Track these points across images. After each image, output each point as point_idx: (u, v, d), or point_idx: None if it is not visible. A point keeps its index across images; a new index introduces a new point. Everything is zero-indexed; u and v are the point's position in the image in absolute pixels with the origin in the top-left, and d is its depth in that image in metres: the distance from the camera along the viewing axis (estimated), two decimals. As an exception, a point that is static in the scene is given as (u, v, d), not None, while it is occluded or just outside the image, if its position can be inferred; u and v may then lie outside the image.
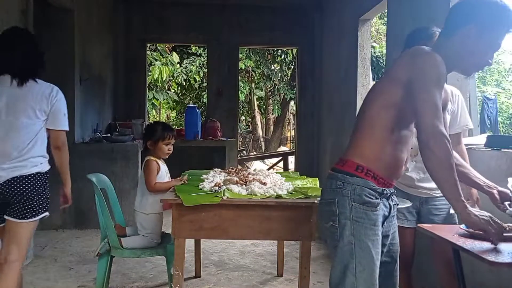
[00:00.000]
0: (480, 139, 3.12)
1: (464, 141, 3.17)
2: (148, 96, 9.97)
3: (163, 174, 3.19)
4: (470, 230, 1.99)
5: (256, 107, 17.27)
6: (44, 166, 2.57)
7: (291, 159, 9.46)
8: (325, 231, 1.81)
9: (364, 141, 1.79)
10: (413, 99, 1.68)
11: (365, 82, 5.51)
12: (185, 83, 13.76)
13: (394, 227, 1.92)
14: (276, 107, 16.67)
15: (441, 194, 2.20)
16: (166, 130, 3.22)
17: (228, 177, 3.02)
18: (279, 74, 14.82)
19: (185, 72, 13.34)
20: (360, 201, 1.74)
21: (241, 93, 13.15)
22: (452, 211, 2.33)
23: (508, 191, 2.02)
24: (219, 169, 3.65)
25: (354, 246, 1.72)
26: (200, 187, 2.82)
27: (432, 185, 2.42)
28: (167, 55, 11.94)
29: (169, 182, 3.15)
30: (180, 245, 2.58)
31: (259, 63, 14.27)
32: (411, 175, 2.56)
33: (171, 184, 3.09)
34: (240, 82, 11.72)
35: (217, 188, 2.73)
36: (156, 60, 11.49)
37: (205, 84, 11.53)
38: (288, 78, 14.77)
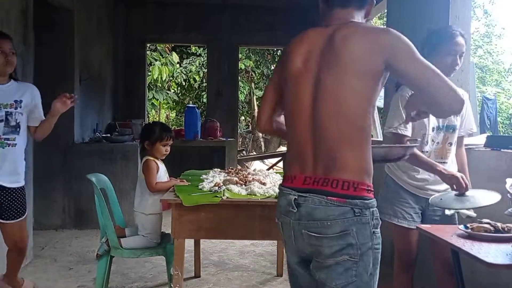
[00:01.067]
0: (479, 139, 3.13)
1: (464, 141, 3.17)
2: (148, 96, 9.97)
3: (162, 174, 3.19)
4: (469, 230, 1.99)
5: (256, 107, 17.25)
6: None
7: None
8: (332, 270, 1.49)
9: (358, 152, 1.51)
10: (404, 79, 1.52)
11: (365, 82, 5.50)
12: (185, 83, 13.76)
13: None
14: (276, 107, 16.64)
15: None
16: (165, 131, 3.21)
17: (228, 177, 3.02)
18: (279, 74, 14.80)
19: (185, 72, 13.34)
20: (377, 226, 1.50)
21: (241, 93, 13.14)
22: (447, 212, 2.32)
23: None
24: (219, 169, 3.65)
25: (373, 277, 1.50)
26: (199, 187, 2.82)
27: (441, 187, 2.44)
28: (167, 55, 11.94)
29: (169, 181, 3.16)
30: (180, 245, 2.58)
31: (258, 63, 14.27)
32: (423, 176, 2.49)
33: (172, 183, 3.10)
34: (240, 82, 11.71)
35: (216, 188, 2.73)
36: (156, 60, 11.49)
37: (205, 84, 11.52)
38: (288, 78, 14.75)
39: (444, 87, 1.43)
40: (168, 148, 3.23)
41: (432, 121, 2.44)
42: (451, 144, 2.49)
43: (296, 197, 1.52)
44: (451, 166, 2.49)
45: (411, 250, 2.55)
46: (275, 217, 1.65)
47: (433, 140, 2.46)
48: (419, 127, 2.43)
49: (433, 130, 2.46)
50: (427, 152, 2.46)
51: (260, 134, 17.65)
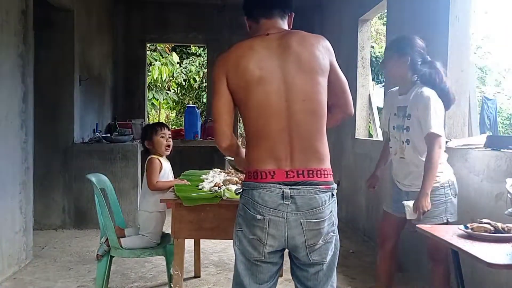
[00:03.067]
0: (479, 139, 3.12)
1: (464, 141, 3.19)
2: (148, 96, 9.96)
3: (167, 173, 3.20)
4: (469, 230, 1.99)
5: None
6: None
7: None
8: (324, 248, 1.72)
9: (325, 142, 1.75)
10: (338, 80, 1.80)
11: (365, 82, 5.51)
12: (185, 83, 13.75)
13: None
14: (276, 107, 16.64)
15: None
16: (156, 124, 3.30)
17: (228, 177, 3.02)
18: (279, 74, 14.80)
19: (184, 72, 13.33)
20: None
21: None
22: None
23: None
24: (219, 169, 3.65)
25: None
26: (199, 187, 2.82)
27: (399, 178, 2.81)
28: (167, 55, 11.93)
29: (170, 181, 3.16)
30: (180, 245, 2.58)
31: (258, 63, 14.24)
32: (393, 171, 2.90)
33: (173, 183, 3.11)
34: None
35: (216, 188, 2.73)
36: (156, 60, 11.48)
37: (204, 84, 11.52)
38: (288, 78, 14.75)
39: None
40: (169, 140, 3.26)
41: (392, 121, 2.77)
42: (406, 142, 2.67)
43: (288, 190, 1.65)
44: (410, 165, 2.68)
45: (382, 228, 2.95)
46: (256, 215, 1.69)
47: (395, 137, 2.76)
48: (384, 127, 2.93)
49: (393, 129, 2.77)
50: (391, 147, 2.81)
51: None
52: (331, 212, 1.72)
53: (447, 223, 2.54)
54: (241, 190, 1.79)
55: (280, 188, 1.66)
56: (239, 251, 1.82)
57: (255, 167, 1.70)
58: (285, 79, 1.69)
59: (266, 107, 1.69)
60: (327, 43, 1.78)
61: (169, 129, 3.31)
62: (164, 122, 3.51)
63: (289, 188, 1.65)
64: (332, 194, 1.72)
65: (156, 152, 3.20)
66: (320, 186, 1.68)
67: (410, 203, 2.56)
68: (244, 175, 1.81)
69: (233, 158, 2.14)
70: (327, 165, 1.72)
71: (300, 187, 1.66)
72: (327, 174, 1.71)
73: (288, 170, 1.67)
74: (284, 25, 1.84)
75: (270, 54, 1.71)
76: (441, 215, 2.57)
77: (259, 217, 1.68)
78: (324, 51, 1.74)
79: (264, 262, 1.75)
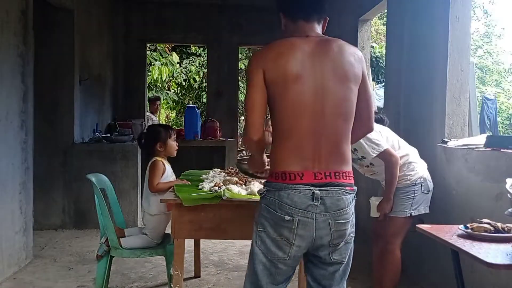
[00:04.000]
0: (479, 139, 3.13)
1: (463, 141, 3.19)
2: (148, 96, 9.96)
3: (169, 175, 3.21)
4: (469, 230, 1.99)
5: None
6: None
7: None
8: (344, 248, 1.79)
9: (349, 145, 1.81)
10: (365, 93, 1.84)
11: (365, 82, 5.50)
12: (185, 83, 13.74)
13: None
14: (276, 107, 16.65)
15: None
16: (168, 128, 3.31)
17: (228, 177, 3.03)
18: (279, 74, 14.80)
19: (184, 72, 13.33)
20: None
21: (240, 93, 13.11)
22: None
23: None
24: (219, 169, 3.65)
25: None
26: (199, 187, 2.82)
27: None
28: (167, 55, 11.93)
29: (171, 182, 3.17)
30: (180, 245, 2.58)
31: (258, 63, 14.25)
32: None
33: (173, 183, 3.12)
34: (240, 82, 11.69)
35: (216, 188, 2.73)
36: (156, 60, 11.48)
37: (204, 84, 11.52)
38: (288, 78, 14.75)
39: None
40: (176, 143, 3.31)
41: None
42: (371, 164, 3.05)
43: (318, 191, 1.68)
44: (383, 173, 3.01)
45: (375, 227, 3.19)
46: (284, 216, 1.70)
47: (358, 165, 3.10)
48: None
49: (353, 162, 2.91)
50: (359, 170, 3.16)
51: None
52: (353, 213, 1.79)
53: (411, 216, 2.93)
54: (264, 190, 1.79)
55: (310, 189, 1.69)
56: (260, 251, 1.78)
57: (283, 168, 1.73)
58: (321, 82, 1.73)
59: (299, 106, 1.72)
60: (361, 54, 1.87)
61: (175, 134, 3.38)
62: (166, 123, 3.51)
63: (319, 190, 1.69)
64: (354, 196, 1.79)
65: (165, 154, 3.23)
66: (346, 188, 1.74)
67: (375, 200, 2.97)
68: (255, 177, 1.92)
69: (246, 160, 2.20)
70: (350, 167, 1.79)
71: (329, 188, 1.70)
72: (351, 177, 1.78)
73: (316, 171, 1.71)
74: (319, 29, 1.89)
75: (309, 55, 1.75)
76: (406, 209, 2.93)
77: (287, 218, 1.70)
78: (358, 61, 1.80)
79: (287, 262, 1.77)
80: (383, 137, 2.95)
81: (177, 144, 3.31)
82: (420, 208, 2.96)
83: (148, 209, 3.13)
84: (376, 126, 2.76)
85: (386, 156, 2.89)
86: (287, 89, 1.72)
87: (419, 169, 2.99)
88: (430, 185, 3.00)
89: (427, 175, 3.01)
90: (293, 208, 1.69)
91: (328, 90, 1.73)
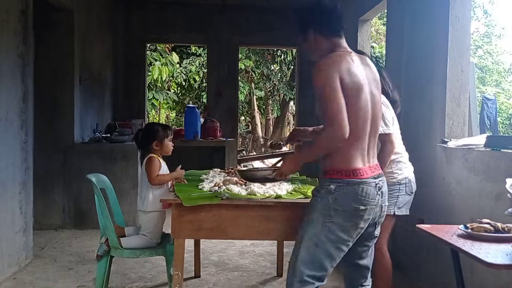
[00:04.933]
0: (479, 139, 3.13)
1: (463, 141, 3.19)
2: (148, 96, 9.97)
3: (164, 172, 3.20)
4: (469, 230, 1.99)
5: (255, 107, 17.26)
6: None
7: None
8: (379, 224, 2.22)
9: None
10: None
11: (365, 82, 5.50)
12: (185, 83, 13.75)
13: None
14: (276, 107, 16.67)
15: None
16: (166, 128, 3.29)
17: (228, 177, 3.02)
18: (279, 74, 14.82)
19: (184, 72, 13.33)
20: None
21: (240, 93, 13.14)
22: None
23: None
24: (219, 169, 3.65)
25: None
26: (199, 187, 2.82)
27: None
28: (167, 55, 11.93)
29: (170, 174, 3.17)
30: (180, 245, 2.58)
31: (258, 63, 14.27)
32: None
33: (172, 176, 3.13)
34: (240, 82, 11.72)
35: (216, 188, 2.73)
36: (156, 60, 11.48)
37: (204, 84, 11.53)
38: (288, 78, 14.77)
39: None
40: (172, 144, 3.29)
41: None
42: None
43: (379, 182, 2.08)
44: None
45: None
46: (359, 206, 2.01)
47: None
48: None
49: None
50: None
51: (260, 134, 17.66)
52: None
53: (394, 215, 2.92)
54: (333, 187, 2.02)
55: (374, 182, 2.06)
56: (327, 239, 2.04)
57: (353, 165, 2.03)
58: (369, 89, 2.08)
59: (364, 112, 2.04)
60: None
61: (172, 134, 3.37)
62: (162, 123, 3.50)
63: (378, 180, 2.08)
64: None
65: (160, 153, 3.21)
66: (383, 176, 2.15)
67: None
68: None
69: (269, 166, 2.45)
70: None
71: (380, 178, 2.11)
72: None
73: (369, 166, 2.08)
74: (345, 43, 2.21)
75: (362, 67, 2.11)
76: (390, 207, 2.86)
77: (362, 207, 2.02)
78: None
79: (349, 244, 2.07)
80: (393, 124, 2.92)
81: (173, 145, 3.29)
82: (403, 209, 2.95)
83: (142, 206, 3.12)
84: (391, 110, 2.91)
85: (386, 141, 2.81)
86: (358, 96, 2.01)
87: (406, 170, 2.97)
88: (414, 187, 2.99)
89: (412, 176, 2.99)
90: (367, 199, 2.02)
91: (375, 97, 2.10)
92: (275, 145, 2.73)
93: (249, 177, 2.69)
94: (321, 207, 2.04)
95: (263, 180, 2.61)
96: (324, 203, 2.04)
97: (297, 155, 2.29)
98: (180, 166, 3.22)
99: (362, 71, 2.08)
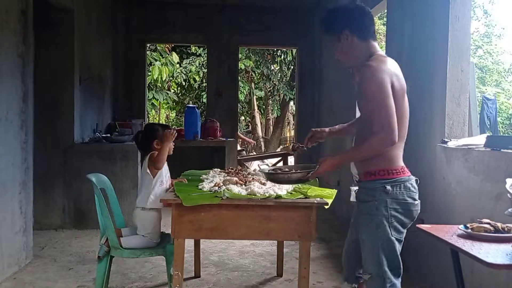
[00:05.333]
0: (479, 139, 3.12)
1: (463, 141, 3.19)
2: (148, 96, 9.96)
3: (164, 172, 3.20)
4: (469, 230, 1.99)
5: (255, 107, 17.26)
6: None
7: (291, 159, 9.46)
8: None
9: None
10: None
11: (365, 82, 5.50)
12: (185, 83, 13.75)
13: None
14: (276, 107, 16.68)
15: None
16: (165, 127, 3.28)
17: (228, 177, 3.02)
18: (279, 74, 14.82)
19: (184, 72, 13.33)
20: None
21: (240, 93, 13.14)
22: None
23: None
24: (219, 169, 3.65)
25: None
26: (199, 187, 2.82)
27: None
28: (167, 55, 11.93)
29: (165, 143, 3.14)
30: (180, 245, 2.58)
31: (258, 63, 14.27)
32: None
33: (167, 144, 3.13)
34: (240, 82, 11.72)
35: (216, 188, 2.73)
36: (156, 60, 11.48)
37: (204, 84, 11.53)
38: (288, 78, 14.77)
39: None
40: (173, 143, 3.28)
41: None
42: None
43: (416, 179, 2.18)
44: None
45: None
46: (413, 201, 2.12)
47: None
48: None
49: None
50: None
51: (260, 134, 17.67)
52: None
53: None
54: (388, 187, 2.08)
55: (414, 177, 2.16)
56: (395, 239, 2.10)
57: (399, 164, 2.13)
58: (403, 93, 2.15)
59: (407, 113, 2.15)
60: None
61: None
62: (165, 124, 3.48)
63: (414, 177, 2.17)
64: None
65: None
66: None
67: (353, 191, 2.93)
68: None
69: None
70: None
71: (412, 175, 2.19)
72: None
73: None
74: None
75: (399, 71, 2.16)
76: None
77: (416, 202, 2.13)
78: None
79: (403, 239, 2.15)
80: None
81: (174, 144, 3.28)
82: None
83: (143, 203, 3.10)
84: None
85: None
86: (403, 100, 2.10)
87: None
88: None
89: None
90: (416, 193, 2.13)
91: (406, 101, 2.16)
92: (298, 148, 2.69)
93: (281, 180, 2.58)
94: (383, 210, 2.08)
95: (295, 182, 2.59)
96: (383, 205, 2.08)
97: (340, 157, 2.26)
98: (167, 130, 3.20)
99: (401, 74, 2.16)
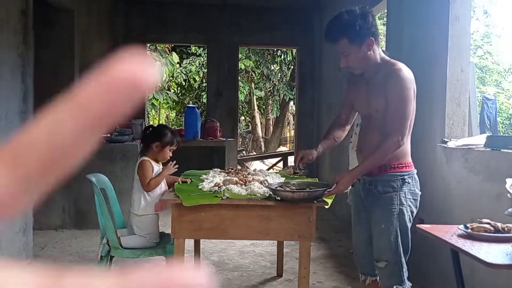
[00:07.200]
0: (479, 139, 3.12)
1: (463, 141, 3.19)
2: (148, 96, 9.97)
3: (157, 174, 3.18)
4: (469, 230, 1.99)
5: (255, 107, 17.27)
6: None
7: (291, 159, 9.46)
8: None
9: None
10: None
11: (365, 82, 5.50)
12: (185, 83, 13.77)
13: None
14: (276, 107, 16.68)
15: None
16: (176, 136, 3.25)
17: (228, 177, 3.02)
18: (279, 74, 14.83)
19: (184, 72, 13.34)
20: None
21: (240, 93, 13.15)
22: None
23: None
24: (219, 169, 3.65)
25: None
26: (199, 187, 2.82)
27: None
28: (167, 55, 11.94)
29: (161, 173, 3.11)
30: (180, 246, 2.58)
31: (258, 63, 14.28)
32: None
33: (164, 174, 3.08)
34: (240, 82, 11.72)
35: (216, 188, 2.73)
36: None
37: (204, 84, 11.53)
38: (288, 78, 14.78)
39: None
40: (171, 154, 3.24)
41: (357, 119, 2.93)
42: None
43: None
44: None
45: None
46: (419, 192, 2.34)
47: (356, 134, 3.18)
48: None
49: (356, 126, 3.16)
50: (351, 142, 3.25)
51: (260, 134, 17.68)
52: None
53: None
54: (407, 179, 2.26)
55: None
56: (408, 228, 2.28)
57: (410, 158, 2.31)
58: None
59: (414, 112, 2.27)
60: None
61: (179, 146, 3.31)
62: (176, 130, 3.44)
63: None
64: None
65: (156, 156, 3.18)
66: None
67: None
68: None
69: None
70: None
71: None
72: None
73: None
74: None
75: None
76: None
77: (420, 193, 2.34)
78: None
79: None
80: None
81: (170, 155, 3.22)
82: None
83: (135, 209, 3.09)
84: None
85: None
86: (415, 101, 2.24)
87: None
88: None
89: None
90: (419, 186, 2.34)
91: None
92: (299, 171, 2.71)
93: (297, 199, 2.47)
94: (402, 200, 2.26)
95: (314, 199, 2.49)
96: (403, 196, 2.26)
97: (357, 170, 2.29)
98: (171, 163, 3.15)
99: None
